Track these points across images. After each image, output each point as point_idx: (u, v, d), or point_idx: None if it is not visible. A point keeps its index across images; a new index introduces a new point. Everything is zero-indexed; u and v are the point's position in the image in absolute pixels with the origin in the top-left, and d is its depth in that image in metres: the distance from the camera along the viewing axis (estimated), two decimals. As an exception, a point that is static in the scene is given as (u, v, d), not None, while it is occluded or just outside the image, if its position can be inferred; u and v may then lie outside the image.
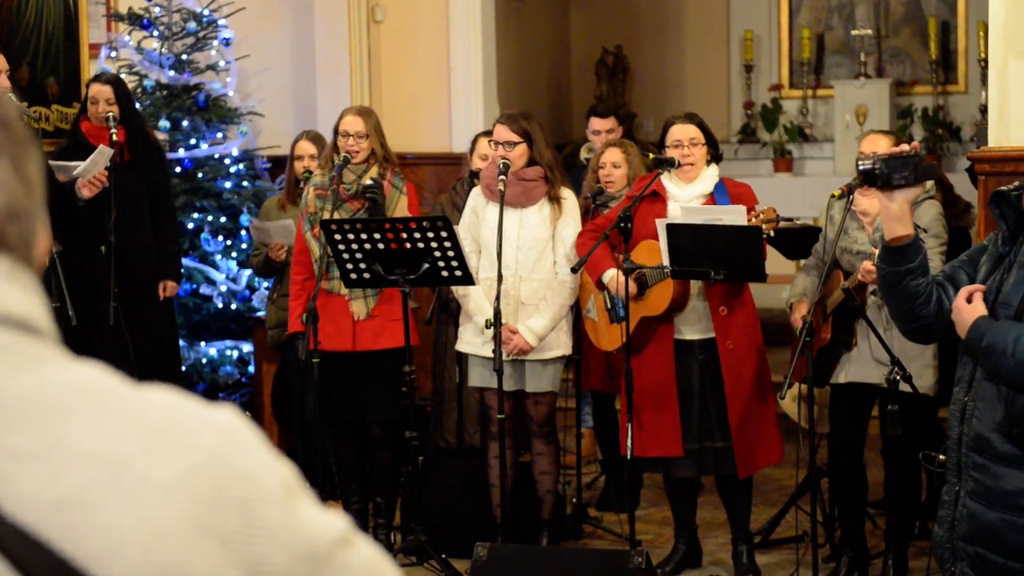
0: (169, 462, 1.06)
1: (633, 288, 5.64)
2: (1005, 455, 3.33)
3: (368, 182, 6.02)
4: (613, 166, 6.42)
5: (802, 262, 6.14)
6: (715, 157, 5.86)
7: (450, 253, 5.55)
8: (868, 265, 5.05)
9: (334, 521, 1.13)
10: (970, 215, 6.67)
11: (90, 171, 6.24)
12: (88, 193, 6.23)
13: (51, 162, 6.31)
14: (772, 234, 5.43)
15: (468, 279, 5.65)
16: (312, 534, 1.10)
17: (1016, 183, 3.51)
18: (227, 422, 1.11)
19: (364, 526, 6.30)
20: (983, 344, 3.33)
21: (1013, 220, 3.45)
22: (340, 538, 1.12)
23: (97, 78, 6.93)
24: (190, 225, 7.84)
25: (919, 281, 3.50)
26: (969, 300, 3.40)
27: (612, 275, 5.76)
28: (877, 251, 3.70)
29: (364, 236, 5.56)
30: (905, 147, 3.51)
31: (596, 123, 7.28)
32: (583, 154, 7.50)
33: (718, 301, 5.68)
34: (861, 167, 3.46)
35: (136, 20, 8.09)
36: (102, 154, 6.27)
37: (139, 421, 1.08)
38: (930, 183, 5.53)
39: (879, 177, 3.43)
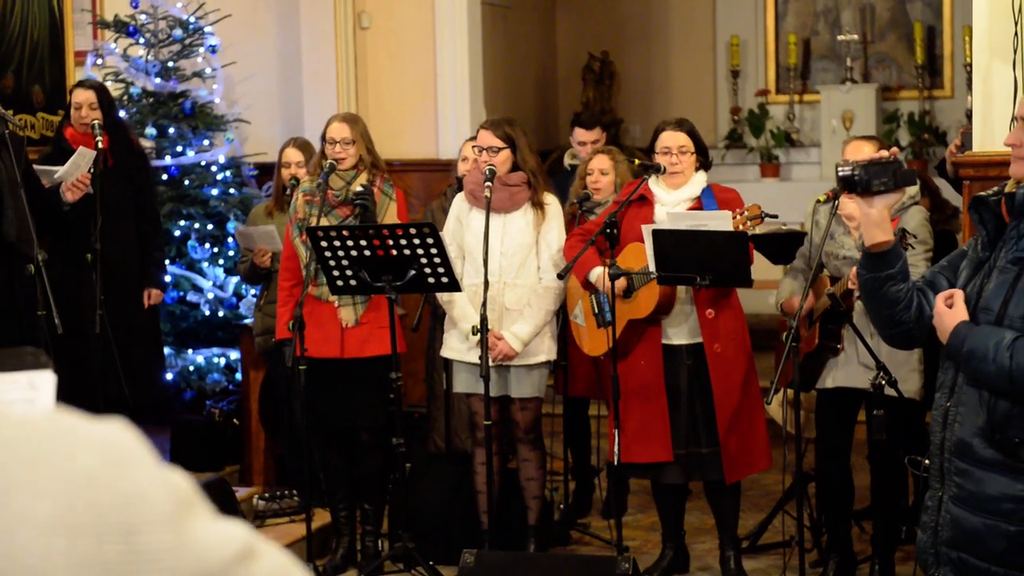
0: (46, 494, 1.01)
1: (622, 284, 5.66)
2: (987, 460, 3.34)
3: (358, 189, 6.02)
4: (601, 173, 6.43)
5: (787, 267, 6.15)
6: (704, 165, 5.86)
7: (436, 260, 5.55)
8: (858, 270, 5.07)
9: (233, 534, 1.07)
10: (958, 220, 6.68)
11: (72, 174, 6.19)
12: (72, 197, 6.18)
13: (35, 167, 6.28)
14: (757, 230, 5.45)
15: (454, 286, 5.65)
16: (205, 553, 1.05)
17: (995, 188, 3.52)
18: (111, 440, 1.05)
19: (352, 533, 6.30)
20: (964, 349, 3.34)
21: (993, 225, 3.46)
22: (239, 553, 1.06)
23: (80, 84, 6.92)
24: (177, 232, 7.82)
25: (900, 287, 3.51)
26: (950, 305, 3.41)
27: (599, 273, 5.76)
28: None
29: (350, 243, 5.56)
30: (884, 153, 3.51)
31: (581, 134, 7.27)
32: (567, 160, 7.50)
33: (705, 304, 5.69)
34: (840, 173, 3.46)
35: (122, 27, 8.08)
36: (83, 156, 6.23)
37: (16, 449, 1.03)
38: (914, 189, 5.54)
39: (858, 183, 3.43)
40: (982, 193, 3.50)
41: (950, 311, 3.39)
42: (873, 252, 3.51)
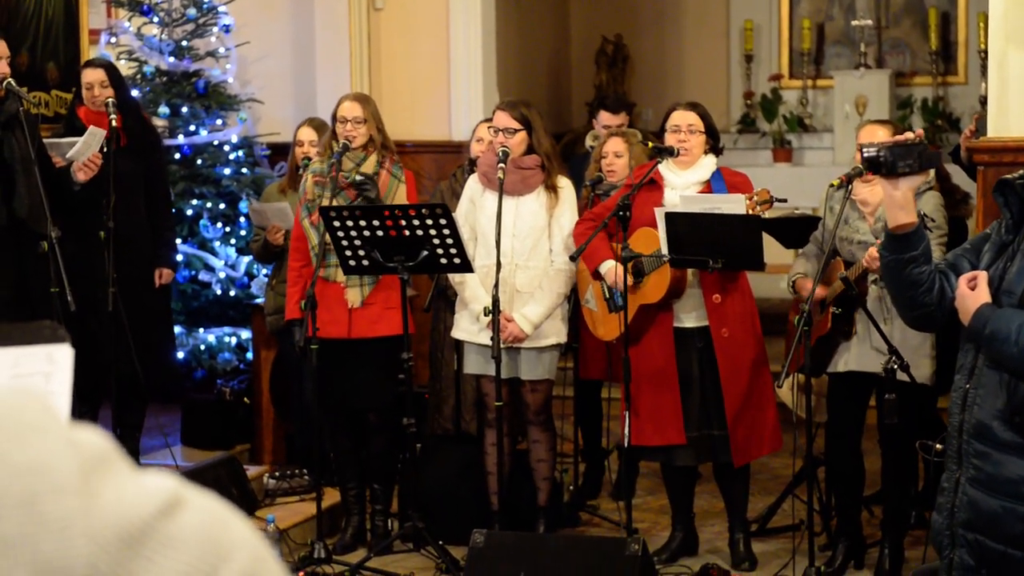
0: None
1: (630, 279, 5.65)
2: (1007, 443, 3.34)
3: (358, 178, 6.00)
4: (615, 155, 6.42)
5: (799, 251, 6.14)
6: (714, 149, 5.85)
7: (449, 241, 5.55)
8: (874, 251, 5.05)
9: (155, 488, 1.01)
10: (968, 205, 6.67)
11: (83, 153, 6.18)
12: (83, 177, 6.18)
13: (45, 141, 6.27)
14: (767, 215, 5.46)
15: (467, 267, 5.65)
16: (123, 512, 0.99)
17: (1021, 171, 3.51)
18: (7, 412, 1.00)
19: (362, 512, 6.31)
20: (986, 331, 3.34)
21: (1017, 208, 3.46)
22: (162, 507, 1.00)
23: (89, 63, 6.90)
24: (189, 211, 7.83)
25: (922, 269, 3.51)
26: (973, 287, 3.40)
27: (608, 267, 5.77)
28: (880, 240, 3.70)
29: (363, 223, 5.56)
30: (909, 135, 3.51)
31: (607, 118, 7.20)
32: (588, 142, 7.45)
33: (712, 289, 5.69)
34: (866, 154, 3.46)
35: (136, 6, 8.08)
36: (94, 135, 6.22)
37: None
38: (931, 174, 5.53)
39: (884, 165, 3.43)
40: (1008, 176, 3.50)
41: (973, 293, 3.39)
42: (896, 234, 3.51)
